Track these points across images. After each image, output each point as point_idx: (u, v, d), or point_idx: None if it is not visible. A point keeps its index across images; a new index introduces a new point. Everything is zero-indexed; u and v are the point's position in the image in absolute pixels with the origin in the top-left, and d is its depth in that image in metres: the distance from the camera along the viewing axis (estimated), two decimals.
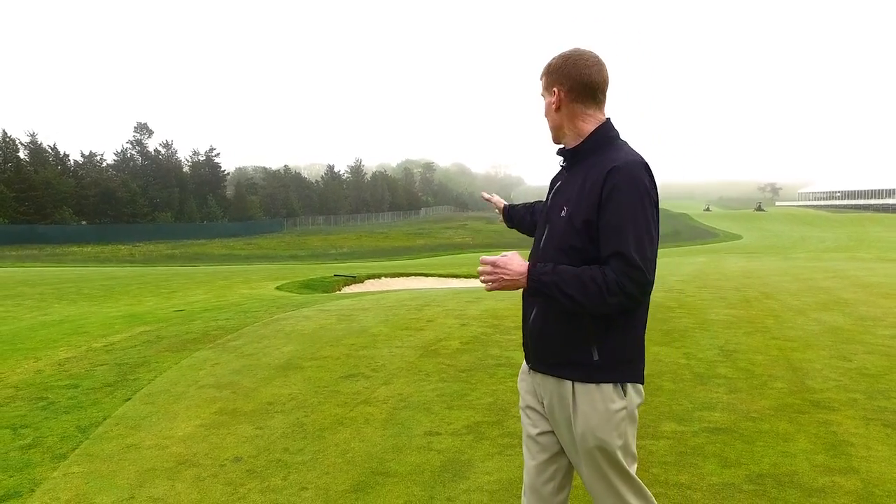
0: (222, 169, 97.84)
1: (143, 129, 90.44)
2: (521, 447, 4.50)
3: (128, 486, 4.07)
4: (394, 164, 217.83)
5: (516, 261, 2.30)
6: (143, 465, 4.36)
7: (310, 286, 16.65)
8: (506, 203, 3.29)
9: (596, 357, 2.30)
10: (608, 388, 2.31)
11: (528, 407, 2.55)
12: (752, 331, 8.33)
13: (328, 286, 16.99)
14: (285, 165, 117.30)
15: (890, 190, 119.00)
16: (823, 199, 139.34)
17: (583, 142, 2.42)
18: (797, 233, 65.16)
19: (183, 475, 4.20)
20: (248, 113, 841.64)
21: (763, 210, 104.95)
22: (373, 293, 13.44)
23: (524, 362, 2.62)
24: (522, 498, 2.60)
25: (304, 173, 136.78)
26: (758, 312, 9.82)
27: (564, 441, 2.40)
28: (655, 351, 7.19)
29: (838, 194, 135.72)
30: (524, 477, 2.59)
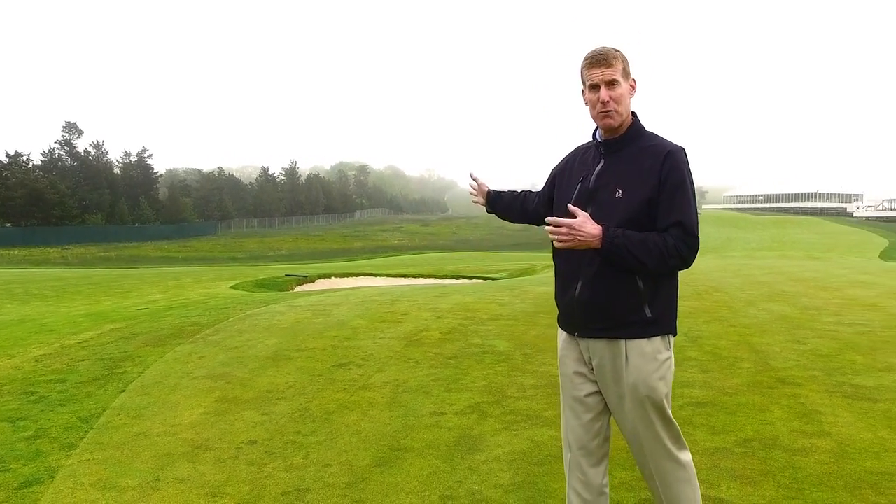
0: (154, 170, 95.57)
1: (72, 128, 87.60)
2: (525, 423, 4.80)
3: (149, 469, 4.17)
4: (328, 167, 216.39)
5: (589, 223, 2.53)
6: (159, 451, 4.45)
7: (264, 285, 16.65)
8: (490, 188, 3.38)
9: (649, 314, 2.59)
10: (657, 340, 2.62)
11: (575, 373, 2.78)
12: (710, 320, 8.81)
13: (281, 285, 17.00)
14: (219, 167, 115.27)
15: (809, 193, 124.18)
16: (747, 202, 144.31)
17: (627, 130, 2.70)
18: (724, 234, 67.36)
19: (202, 458, 4.32)
20: (180, 113, 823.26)
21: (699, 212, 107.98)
22: (338, 290, 13.54)
23: (563, 333, 2.85)
24: (566, 456, 2.85)
25: (237, 175, 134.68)
26: (711, 304, 10.35)
27: (613, 397, 2.66)
28: None
29: (761, 197, 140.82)
30: (568, 437, 2.83)
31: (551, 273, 14.21)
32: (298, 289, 17.10)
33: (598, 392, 2.72)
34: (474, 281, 19.32)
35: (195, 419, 5.05)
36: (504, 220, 3.37)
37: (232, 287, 15.81)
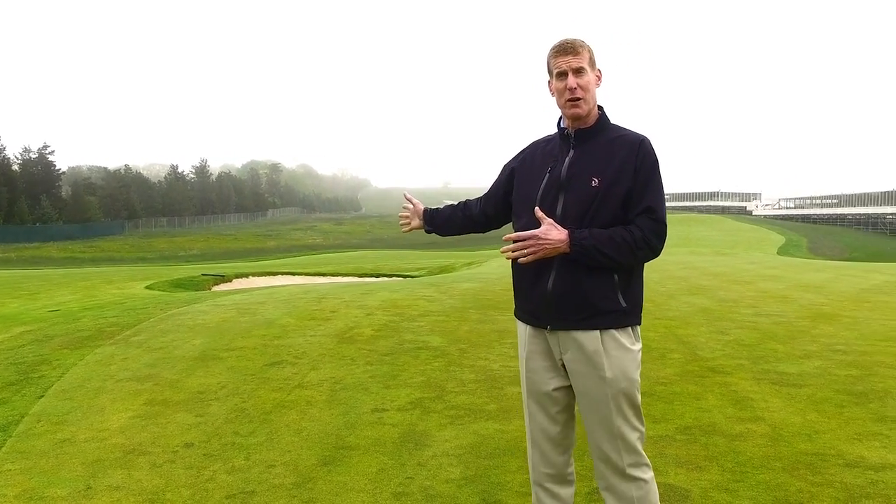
0: (57, 168, 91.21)
1: None
2: (468, 417, 4.77)
3: (79, 477, 3.93)
4: (239, 165, 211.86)
5: (554, 230, 2.51)
6: (88, 458, 4.21)
7: (180, 285, 16.11)
8: (426, 207, 3.29)
9: (623, 304, 2.58)
10: (629, 330, 2.61)
11: (542, 367, 2.72)
12: None
13: (199, 285, 16.51)
14: (126, 165, 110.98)
15: (712, 192, 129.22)
16: None
17: (597, 121, 2.69)
18: None
19: (136, 463, 4.11)
20: (83, 109, 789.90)
21: None
22: (261, 288, 13.22)
23: (527, 327, 2.78)
24: (531, 452, 2.81)
25: (145, 173, 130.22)
26: None
27: (586, 389, 2.61)
28: None
29: (667, 196, 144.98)
30: (533, 433, 2.79)
31: (473, 270, 14.42)
32: (216, 288, 16.65)
33: (567, 386, 2.69)
34: (394, 279, 19.25)
35: (124, 423, 4.81)
36: (444, 234, 3.26)
37: (147, 287, 15.24)
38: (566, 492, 2.79)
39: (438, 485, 3.72)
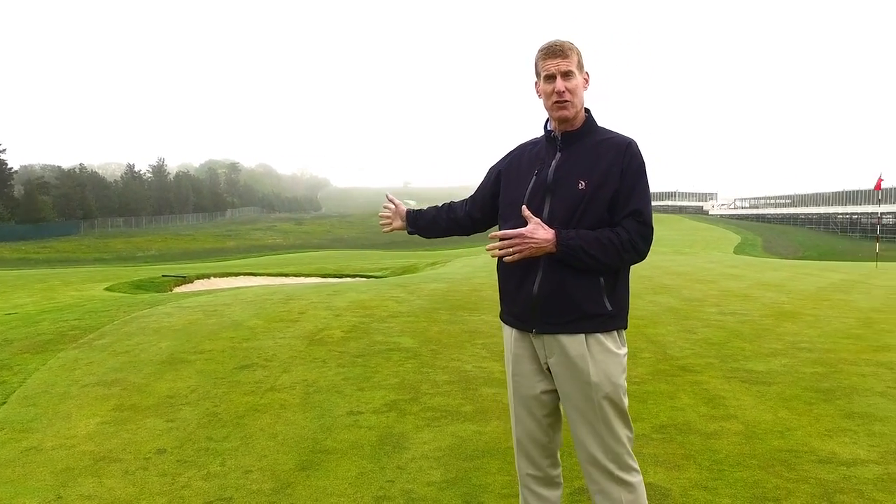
0: (9, 167, 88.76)
1: None
2: (445, 419, 4.76)
3: (48, 486, 3.82)
4: (197, 164, 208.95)
5: (541, 229, 2.50)
6: (56, 466, 4.09)
7: (141, 287, 15.81)
8: (409, 208, 3.26)
9: (609, 307, 2.58)
10: (615, 334, 2.61)
11: (530, 370, 2.70)
12: None
13: (160, 286, 16.21)
14: (81, 164, 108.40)
15: (669, 192, 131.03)
16: None
17: (584, 124, 2.69)
18: None
19: (108, 471, 4.01)
20: (36, 107, 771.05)
21: None
22: (226, 290, 13.02)
23: (513, 330, 2.75)
24: (519, 455, 2.79)
25: (100, 173, 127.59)
26: None
27: (571, 393, 2.59)
28: None
29: None
30: (520, 436, 2.76)
31: (437, 270, 14.39)
32: (178, 289, 16.38)
33: (554, 389, 2.68)
34: (359, 279, 19.15)
35: (93, 430, 4.69)
36: (427, 236, 3.23)
37: (106, 289, 14.91)
38: (553, 494, 2.79)
39: (420, 488, 3.70)
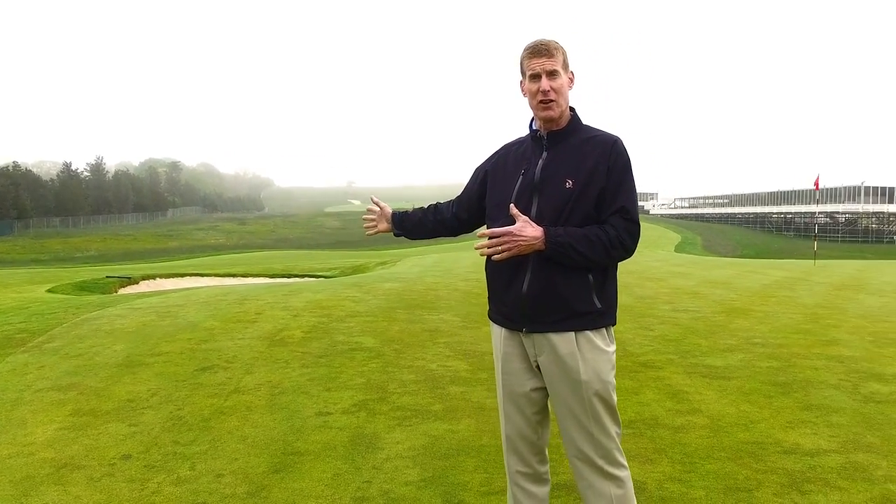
0: None
1: None
2: (416, 418, 4.75)
3: (8, 497, 3.68)
4: (136, 163, 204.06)
5: (529, 227, 2.51)
6: (15, 475, 3.94)
7: (84, 288, 15.34)
8: (394, 210, 3.24)
9: (599, 305, 2.60)
10: (604, 331, 2.63)
11: (520, 368, 2.71)
12: None
13: (104, 288, 15.77)
14: (14, 161, 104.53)
15: None
16: None
17: (569, 122, 2.71)
18: None
19: (72, 479, 3.88)
20: None
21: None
22: (177, 291, 12.71)
23: (501, 329, 2.76)
24: (508, 453, 2.80)
25: (34, 171, 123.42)
26: None
27: (561, 391, 2.61)
28: (488, 330, 7.66)
29: None
30: (509, 434, 2.77)
31: (389, 269, 14.34)
32: (123, 291, 15.97)
33: (543, 387, 2.69)
34: (307, 279, 18.96)
35: (51, 436, 4.53)
36: (414, 238, 3.21)
37: (49, 291, 14.43)
38: (542, 490, 2.80)
39: (398, 487, 3.68)
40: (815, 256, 22.93)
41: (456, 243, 58.17)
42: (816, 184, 24.43)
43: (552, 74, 2.60)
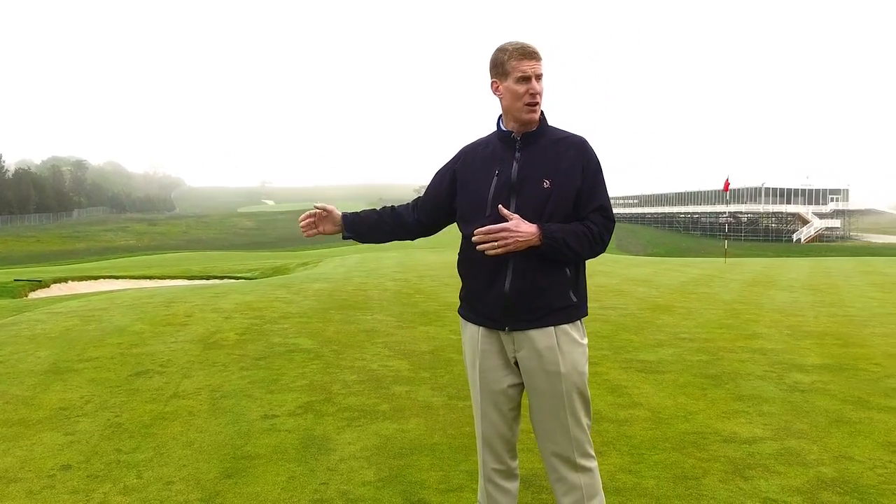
0: None
1: None
2: (364, 418, 4.74)
3: None
4: (38, 161, 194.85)
5: (524, 224, 2.54)
6: None
7: None
8: (344, 212, 3.12)
9: (574, 298, 2.67)
10: (578, 324, 2.71)
11: (496, 365, 2.73)
12: None
13: (13, 292, 14.99)
14: None
15: None
16: None
17: (541, 124, 2.75)
18: (452, 230, 70.95)
19: (8, 493, 3.69)
20: None
21: None
22: (98, 294, 12.19)
23: (478, 329, 2.75)
24: (482, 450, 2.82)
25: None
26: None
27: (540, 385, 2.66)
28: (425, 330, 7.74)
29: None
30: (485, 431, 2.79)
31: (312, 270, 14.15)
32: (34, 294, 15.25)
33: (519, 383, 2.74)
34: (226, 281, 18.56)
35: None
36: (366, 241, 3.10)
37: None
38: (513, 485, 2.86)
39: (356, 488, 3.67)
40: (725, 255, 23.88)
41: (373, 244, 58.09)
42: (726, 185, 25.53)
43: (539, 78, 2.65)
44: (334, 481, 3.76)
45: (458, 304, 2.92)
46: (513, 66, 2.63)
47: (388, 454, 4.13)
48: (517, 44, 2.66)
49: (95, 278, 18.98)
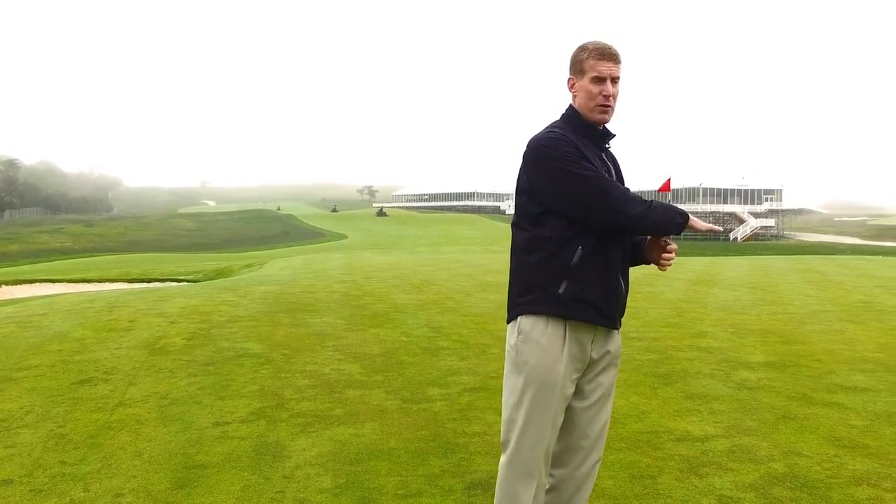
0: None
1: None
2: (318, 424, 4.70)
3: None
4: None
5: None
6: None
7: None
8: None
9: None
10: None
11: (572, 370, 2.65)
12: (442, 311, 9.28)
13: None
14: None
15: (469, 193, 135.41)
16: (414, 200, 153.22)
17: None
18: (396, 232, 70.95)
19: None
20: None
21: (385, 214, 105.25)
22: (34, 298, 11.78)
23: (574, 334, 2.63)
24: (543, 465, 2.67)
25: None
26: (434, 296, 10.90)
27: (609, 381, 2.80)
28: (375, 332, 7.68)
29: (426, 196, 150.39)
30: (551, 442, 2.67)
31: (257, 272, 13.94)
32: None
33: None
34: (168, 284, 18.14)
35: None
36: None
37: None
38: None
39: (313, 496, 3.61)
40: None
41: (317, 244, 57.48)
42: (667, 185, 25.79)
43: (615, 81, 2.66)
44: (291, 489, 3.69)
45: (535, 301, 2.67)
46: (590, 66, 2.64)
47: (344, 460, 4.07)
48: (598, 43, 2.66)
49: (31, 282, 18.35)
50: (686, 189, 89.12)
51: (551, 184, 2.60)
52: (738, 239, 79.87)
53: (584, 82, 2.67)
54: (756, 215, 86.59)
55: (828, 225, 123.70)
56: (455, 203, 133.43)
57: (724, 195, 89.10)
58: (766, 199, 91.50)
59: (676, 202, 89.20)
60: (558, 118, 2.79)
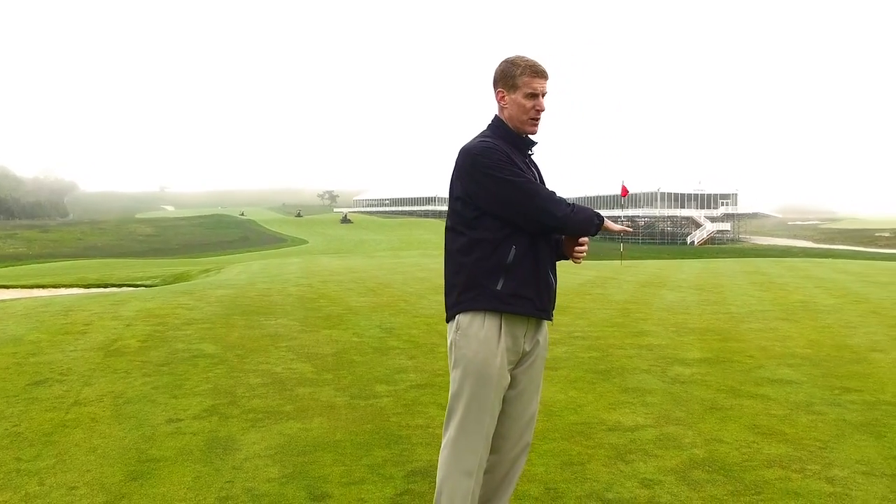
0: None
1: None
2: (268, 419, 4.89)
3: None
4: None
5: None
6: None
7: None
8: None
9: None
10: None
11: (509, 362, 2.84)
12: (395, 312, 9.50)
13: None
14: None
15: (429, 197, 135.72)
16: (375, 205, 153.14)
17: None
18: (356, 237, 71.05)
19: None
20: None
21: (350, 221, 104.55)
22: None
23: (510, 325, 2.81)
24: (483, 449, 2.84)
25: None
26: (389, 299, 11.12)
27: (536, 372, 2.99)
28: (328, 333, 7.87)
29: (387, 201, 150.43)
30: (489, 430, 2.84)
31: (215, 277, 13.99)
32: None
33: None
34: (125, 289, 18.06)
35: None
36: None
37: None
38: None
39: (261, 485, 3.80)
40: (622, 257, 24.86)
41: (277, 249, 57.27)
42: (624, 191, 26.76)
43: (544, 95, 2.90)
44: (239, 479, 3.88)
45: (474, 299, 2.81)
46: (524, 82, 2.84)
47: (291, 452, 4.27)
48: (530, 61, 2.87)
49: None
50: (644, 194, 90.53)
51: (485, 190, 2.77)
52: (695, 243, 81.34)
53: (517, 97, 2.87)
54: (712, 219, 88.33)
55: (782, 229, 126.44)
56: (416, 207, 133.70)
57: (681, 199, 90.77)
58: (723, 204, 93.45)
59: (634, 207, 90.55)
60: (486, 128, 2.99)
